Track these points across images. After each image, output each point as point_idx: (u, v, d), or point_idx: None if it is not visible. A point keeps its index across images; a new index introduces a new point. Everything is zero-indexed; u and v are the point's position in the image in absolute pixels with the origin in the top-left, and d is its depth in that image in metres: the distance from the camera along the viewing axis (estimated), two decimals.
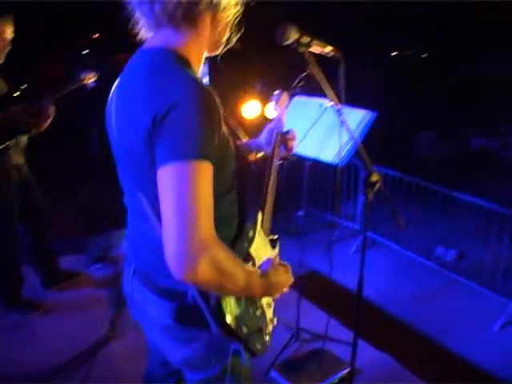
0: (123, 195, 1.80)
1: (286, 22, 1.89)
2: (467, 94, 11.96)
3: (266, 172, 1.99)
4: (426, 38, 12.27)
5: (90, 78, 4.32)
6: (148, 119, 1.39)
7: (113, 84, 1.66)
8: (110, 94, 1.71)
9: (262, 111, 6.07)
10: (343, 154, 3.23)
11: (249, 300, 1.72)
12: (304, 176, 4.18)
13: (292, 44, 1.92)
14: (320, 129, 3.63)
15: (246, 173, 1.88)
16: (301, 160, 3.86)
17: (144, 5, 1.52)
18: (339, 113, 2.14)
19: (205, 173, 1.35)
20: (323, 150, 3.50)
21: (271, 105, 2.24)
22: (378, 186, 2.23)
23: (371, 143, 3.74)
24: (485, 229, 5.19)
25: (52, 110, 4.06)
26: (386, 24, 11.28)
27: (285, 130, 2.16)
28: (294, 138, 2.19)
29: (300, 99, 3.91)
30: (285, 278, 1.75)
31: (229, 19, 1.64)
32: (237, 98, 4.46)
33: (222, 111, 1.45)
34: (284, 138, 2.14)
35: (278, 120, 2.16)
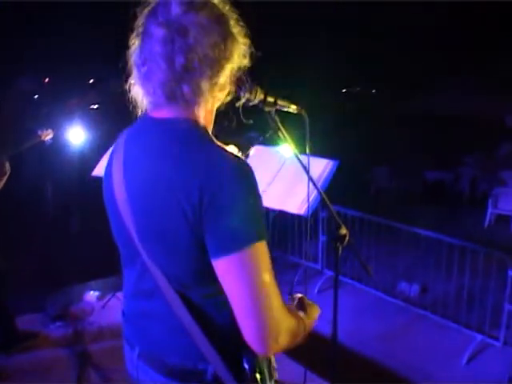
0: (123, 269, 1.71)
1: (250, 82, 1.84)
2: (418, 129, 12.24)
3: None
4: (373, 76, 12.56)
5: (48, 135, 4.29)
6: (190, 201, 1.33)
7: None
8: (111, 161, 1.63)
9: None
10: (308, 204, 3.24)
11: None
12: (268, 221, 4.17)
13: (258, 104, 1.93)
14: (283, 179, 3.62)
15: None
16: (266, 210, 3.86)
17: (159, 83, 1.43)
18: (301, 163, 2.12)
19: (266, 251, 1.36)
20: (287, 202, 3.50)
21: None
22: (347, 239, 2.23)
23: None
24: (446, 261, 5.23)
25: (7, 167, 3.99)
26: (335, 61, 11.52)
27: None
28: None
29: (261, 149, 3.92)
30: (317, 312, 1.77)
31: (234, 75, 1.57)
32: None
33: None
34: None
35: None
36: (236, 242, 1.32)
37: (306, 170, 2.16)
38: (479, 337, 4.79)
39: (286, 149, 2.13)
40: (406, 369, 4.47)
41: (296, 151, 2.09)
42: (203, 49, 1.39)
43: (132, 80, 1.52)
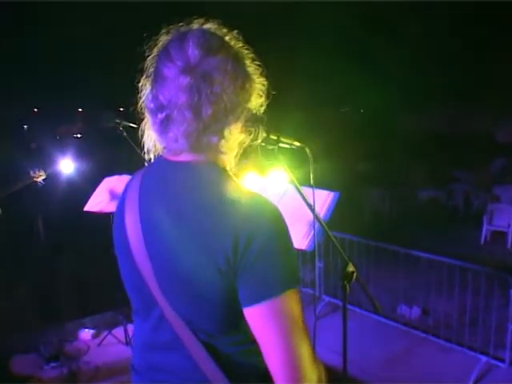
0: (134, 318, 1.61)
1: None
2: (409, 147, 12.26)
3: None
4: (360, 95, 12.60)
5: (40, 176, 4.26)
6: (224, 250, 1.28)
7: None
8: (122, 203, 1.53)
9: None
10: (310, 238, 3.20)
11: None
12: None
13: (261, 142, 1.90)
14: (283, 212, 3.57)
15: None
16: None
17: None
18: (305, 199, 2.09)
19: (299, 297, 1.33)
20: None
21: None
22: (355, 276, 2.20)
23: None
24: (446, 282, 5.16)
25: None
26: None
27: None
28: None
29: (259, 180, 3.88)
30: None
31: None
32: None
33: None
34: None
35: None
36: (271, 289, 1.29)
37: (310, 206, 2.13)
38: (484, 358, 4.71)
39: (285, 181, 2.09)
40: None
41: (300, 189, 2.06)
42: (229, 96, 1.34)
43: (145, 125, 1.46)
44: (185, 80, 1.31)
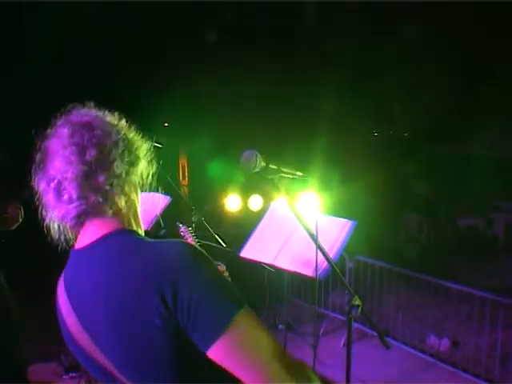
0: None
1: (250, 151, 1.88)
2: (451, 174, 12.04)
3: None
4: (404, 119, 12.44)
5: None
6: (154, 303, 1.24)
7: None
8: (61, 312, 1.50)
9: (245, 203, 6.11)
10: (322, 267, 3.21)
11: None
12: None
13: (261, 171, 1.90)
14: (297, 241, 3.59)
15: None
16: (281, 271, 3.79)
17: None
18: (309, 232, 2.08)
19: (251, 314, 1.29)
20: (301, 264, 3.45)
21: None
22: (360, 309, 2.16)
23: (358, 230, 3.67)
24: (478, 315, 5.00)
25: (21, 214, 4.01)
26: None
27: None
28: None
29: (275, 209, 3.92)
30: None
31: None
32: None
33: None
34: None
35: None
36: (218, 326, 1.23)
37: (313, 236, 2.11)
38: None
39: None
40: None
41: (303, 220, 2.05)
42: (111, 141, 1.39)
43: (45, 211, 1.44)
44: (67, 131, 1.36)
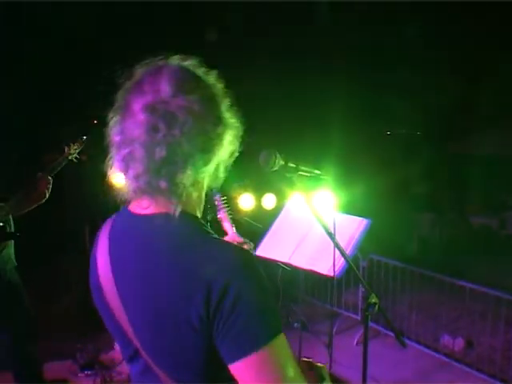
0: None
1: (268, 150, 1.90)
2: (463, 172, 11.98)
3: None
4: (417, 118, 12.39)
5: (75, 150, 4.29)
6: (198, 298, 1.21)
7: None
8: (97, 264, 1.47)
9: (259, 202, 6.11)
10: (339, 265, 3.22)
11: None
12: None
13: (279, 170, 1.92)
14: (313, 239, 3.60)
15: None
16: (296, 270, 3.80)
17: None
18: (326, 230, 2.10)
19: (285, 345, 1.24)
20: (317, 262, 3.46)
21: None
22: (377, 307, 2.18)
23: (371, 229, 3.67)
24: (492, 314, 4.98)
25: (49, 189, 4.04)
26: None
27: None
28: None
29: (291, 207, 3.94)
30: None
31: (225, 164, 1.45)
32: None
33: None
34: None
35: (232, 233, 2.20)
36: (253, 343, 1.20)
37: (330, 234, 2.12)
38: None
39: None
40: None
41: (320, 218, 2.05)
42: (190, 140, 1.26)
43: (111, 160, 1.36)
44: (146, 116, 1.25)
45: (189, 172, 1.28)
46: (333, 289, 6.17)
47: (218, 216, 2.38)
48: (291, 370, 1.22)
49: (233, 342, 1.21)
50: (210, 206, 4.33)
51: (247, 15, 8.66)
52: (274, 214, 4.18)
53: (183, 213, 1.32)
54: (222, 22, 8.54)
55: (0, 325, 4.12)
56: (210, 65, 1.40)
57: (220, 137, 1.34)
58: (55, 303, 6.04)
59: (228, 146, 1.39)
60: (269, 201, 6.03)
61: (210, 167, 1.36)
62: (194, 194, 1.38)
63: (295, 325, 5.89)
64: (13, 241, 4.07)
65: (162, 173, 1.26)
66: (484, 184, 11.29)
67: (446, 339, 5.49)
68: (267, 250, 3.81)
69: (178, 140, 1.25)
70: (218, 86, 1.38)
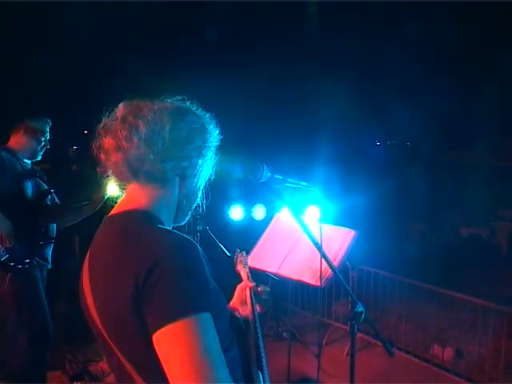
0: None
1: (255, 161, 1.95)
2: (452, 183, 12.05)
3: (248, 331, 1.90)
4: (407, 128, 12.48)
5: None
6: (130, 285, 1.30)
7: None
8: (84, 262, 1.58)
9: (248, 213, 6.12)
10: (326, 276, 3.24)
11: None
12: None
13: (266, 182, 1.93)
14: (301, 250, 3.63)
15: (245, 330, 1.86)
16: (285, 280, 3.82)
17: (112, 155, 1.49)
18: (313, 240, 2.11)
19: (207, 324, 1.28)
20: (304, 272, 3.49)
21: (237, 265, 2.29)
22: (363, 316, 2.20)
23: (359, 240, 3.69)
24: (481, 324, 5.01)
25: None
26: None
27: (255, 285, 2.12)
28: (264, 293, 2.12)
29: (280, 219, 3.95)
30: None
31: (198, 187, 1.61)
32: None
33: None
34: (256, 293, 2.09)
35: (246, 279, 2.14)
36: (170, 314, 1.25)
37: (317, 244, 2.13)
38: None
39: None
40: None
41: (307, 228, 2.07)
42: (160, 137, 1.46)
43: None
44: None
45: (163, 168, 1.48)
46: (323, 299, 6.18)
47: (236, 268, 2.34)
48: (208, 349, 1.23)
49: (153, 315, 1.27)
50: (199, 217, 4.36)
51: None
52: (264, 226, 4.20)
53: (147, 213, 1.48)
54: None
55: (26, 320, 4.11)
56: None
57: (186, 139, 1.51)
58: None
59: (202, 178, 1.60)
60: (259, 212, 6.04)
61: (183, 188, 1.56)
62: (166, 202, 1.54)
63: (284, 334, 5.89)
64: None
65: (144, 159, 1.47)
66: (474, 195, 11.37)
67: (436, 349, 5.51)
68: (257, 260, 3.83)
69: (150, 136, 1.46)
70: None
